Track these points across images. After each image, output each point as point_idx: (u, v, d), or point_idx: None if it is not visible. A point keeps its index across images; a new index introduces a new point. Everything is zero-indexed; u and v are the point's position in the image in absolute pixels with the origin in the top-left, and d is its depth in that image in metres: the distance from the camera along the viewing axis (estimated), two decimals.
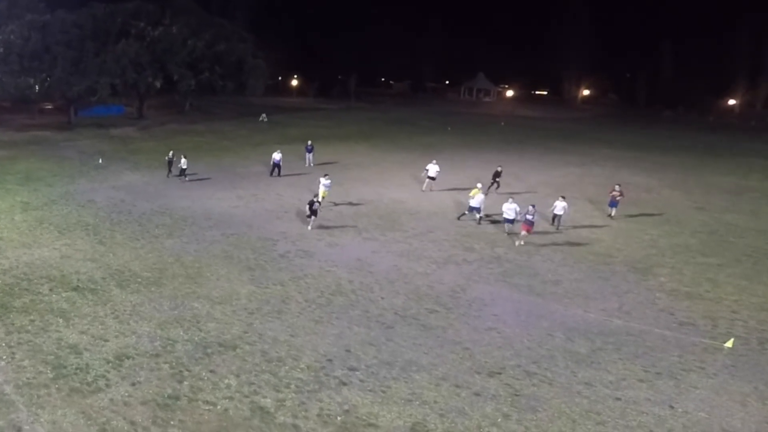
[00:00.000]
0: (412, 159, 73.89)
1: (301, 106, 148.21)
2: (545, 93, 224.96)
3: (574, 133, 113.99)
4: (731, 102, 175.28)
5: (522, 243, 40.80)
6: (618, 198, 49.24)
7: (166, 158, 59.25)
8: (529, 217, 40.98)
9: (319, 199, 45.65)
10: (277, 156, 61.39)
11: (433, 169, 57.36)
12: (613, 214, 49.21)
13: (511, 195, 46.92)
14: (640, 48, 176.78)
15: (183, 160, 58.06)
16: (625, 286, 35.13)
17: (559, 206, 45.18)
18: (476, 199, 46.57)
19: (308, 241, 40.70)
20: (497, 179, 57.20)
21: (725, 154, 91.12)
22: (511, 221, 43.40)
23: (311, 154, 67.43)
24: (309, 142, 69.04)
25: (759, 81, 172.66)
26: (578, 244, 42.44)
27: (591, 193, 57.83)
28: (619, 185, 50.45)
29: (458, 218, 47.23)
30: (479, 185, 49.69)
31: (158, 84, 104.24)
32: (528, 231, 40.80)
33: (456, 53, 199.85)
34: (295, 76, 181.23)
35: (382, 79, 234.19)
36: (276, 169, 60.96)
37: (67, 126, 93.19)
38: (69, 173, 59.34)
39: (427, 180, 57.06)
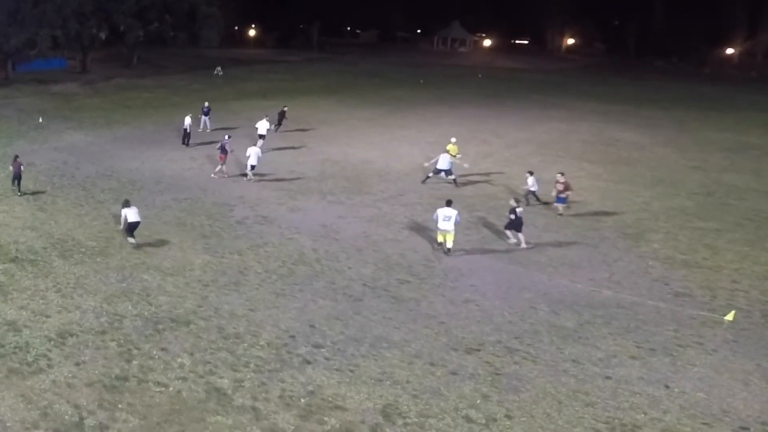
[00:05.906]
0: (382, 115, 73.96)
1: (259, 58, 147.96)
2: (526, 42, 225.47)
3: (557, 85, 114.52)
4: (729, 51, 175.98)
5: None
6: (564, 193, 40.64)
7: None
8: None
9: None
10: (188, 120, 57.28)
11: (444, 160, 46.38)
12: (562, 211, 41.02)
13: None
14: None
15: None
16: (615, 253, 35.15)
17: (531, 181, 42.11)
18: (443, 159, 46.18)
19: (268, 205, 40.45)
20: (282, 119, 61.92)
21: (723, 108, 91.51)
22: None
23: (207, 117, 63.73)
24: (206, 104, 65.21)
25: (759, 28, 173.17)
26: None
27: (577, 151, 57.90)
28: (562, 173, 41.47)
29: (423, 182, 47.15)
30: (453, 139, 49.73)
31: (103, 35, 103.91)
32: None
33: None
34: (253, 26, 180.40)
35: (348, 29, 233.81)
36: (186, 138, 57.03)
37: (4, 82, 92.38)
38: (6, 134, 58.73)
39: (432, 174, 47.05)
